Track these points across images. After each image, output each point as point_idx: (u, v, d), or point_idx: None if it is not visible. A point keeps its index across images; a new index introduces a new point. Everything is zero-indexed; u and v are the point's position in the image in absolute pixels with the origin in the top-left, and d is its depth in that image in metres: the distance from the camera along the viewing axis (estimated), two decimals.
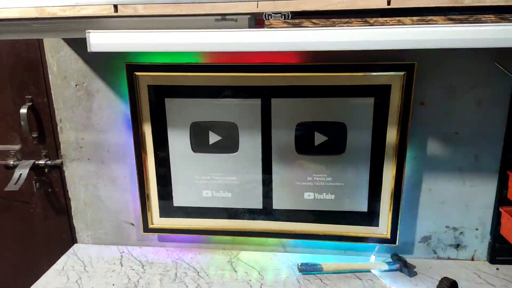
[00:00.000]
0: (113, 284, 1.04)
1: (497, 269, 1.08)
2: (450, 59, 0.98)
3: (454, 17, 0.69)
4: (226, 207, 1.14)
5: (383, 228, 1.09)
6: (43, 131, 1.22)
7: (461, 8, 0.70)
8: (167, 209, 1.16)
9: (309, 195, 1.10)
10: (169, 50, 0.75)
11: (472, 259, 1.13)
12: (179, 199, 1.15)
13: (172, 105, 1.07)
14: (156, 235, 1.21)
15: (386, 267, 1.07)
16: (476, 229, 1.10)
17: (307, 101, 1.03)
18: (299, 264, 1.08)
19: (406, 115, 0.99)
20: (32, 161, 1.23)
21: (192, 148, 1.10)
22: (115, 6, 0.77)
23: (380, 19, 0.70)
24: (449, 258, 1.13)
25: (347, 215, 1.10)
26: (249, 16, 0.75)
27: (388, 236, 1.09)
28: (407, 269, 1.05)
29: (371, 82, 0.99)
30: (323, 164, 1.07)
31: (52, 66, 1.09)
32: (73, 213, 1.22)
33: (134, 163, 1.11)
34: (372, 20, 0.71)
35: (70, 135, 1.15)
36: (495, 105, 1.00)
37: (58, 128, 1.15)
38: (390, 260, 1.10)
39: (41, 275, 1.08)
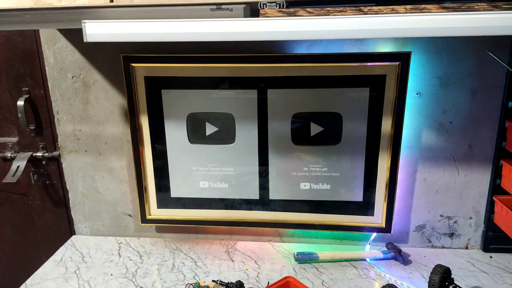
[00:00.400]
0: (111, 274, 1.05)
1: (491, 257, 1.09)
2: (444, 48, 0.98)
3: (447, 5, 0.70)
4: (223, 197, 1.15)
5: (378, 218, 1.10)
6: (40, 123, 1.23)
7: None
8: (165, 200, 1.16)
9: (305, 185, 1.11)
10: (164, 39, 0.75)
11: (466, 248, 1.14)
12: (176, 190, 1.15)
13: (168, 96, 1.07)
14: (153, 226, 1.22)
15: (381, 255, 1.08)
16: (470, 218, 1.11)
17: (303, 91, 1.03)
18: (295, 253, 1.09)
19: (401, 105, 1.00)
20: (30, 153, 1.24)
21: (189, 139, 1.10)
22: None
23: (374, 7, 0.71)
24: (443, 247, 1.15)
25: (343, 205, 1.11)
26: (244, 5, 0.75)
27: (383, 225, 1.10)
28: (402, 257, 1.06)
29: (366, 72, 0.99)
30: (319, 155, 1.08)
31: (49, 58, 1.09)
32: (71, 205, 1.23)
33: (132, 154, 1.12)
34: (366, 9, 0.71)
35: (67, 127, 1.15)
36: (489, 95, 1.01)
37: (55, 120, 1.15)
38: (385, 249, 1.11)
39: (40, 267, 1.09)
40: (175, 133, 1.10)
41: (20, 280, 1.03)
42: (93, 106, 1.13)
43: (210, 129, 1.09)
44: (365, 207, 1.10)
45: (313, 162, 1.09)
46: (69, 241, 1.22)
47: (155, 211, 1.18)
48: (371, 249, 1.12)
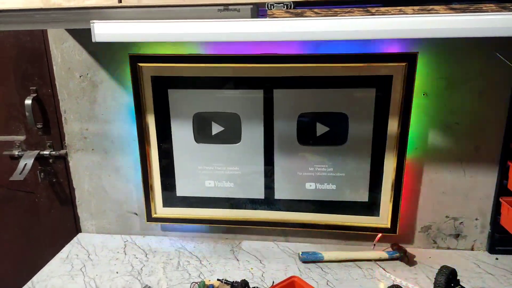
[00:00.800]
0: (117, 272, 1.06)
1: (497, 259, 1.09)
2: (451, 49, 0.98)
3: (455, 6, 0.70)
4: (229, 197, 1.15)
5: (384, 218, 1.10)
6: (47, 122, 1.23)
7: None
8: (170, 199, 1.17)
9: (310, 185, 1.11)
10: (172, 40, 0.76)
11: (472, 249, 1.14)
12: (182, 189, 1.16)
13: (175, 96, 1.08)
14: (159, 224, 1.23)
15: (386, 256, 1.08)
16: (476, 219, 1.11)
17: (309, 92, 1.04)
18: (300, 253, 1.09)
19: (407, 106, 0.99)
20: (37, 151, 1.25)
21: (195, 139, 1.11)
22: None
23: (381, 8, 0.71)
24: (448, 248, 1.14)
25: (348, 205, 1.11)
26: (251, 6, 0.75)
27: (389, 226, 1.10)
28: (407, 258, 1.06)
29: (373, 72, 0.99)
30: (324, 155, 1.08)
31: (57, 57, 1.10)
32: (77, 203, 1.24)
33: (138, 153, 1.12)
34: (373, 10, 0.71)
35: (75, 125, 1.16)
36: (496, 96, 1.00)
37: (63, 119, 1.16)
38: (390, 249, 1.11)
39: (46, 264, 1.10)
40: (181, 133, 1.11)
41: (27, 277, 1.04)
42: (100, 105, 1.13)
43: (216, 128, 1.10)
44: (371, 207, 1.10)
45: (318, 162, 1.09)
46: (75, 239, 1.23)
47: (160, 210, 1.18)
48: (376, 250, 1.12)
